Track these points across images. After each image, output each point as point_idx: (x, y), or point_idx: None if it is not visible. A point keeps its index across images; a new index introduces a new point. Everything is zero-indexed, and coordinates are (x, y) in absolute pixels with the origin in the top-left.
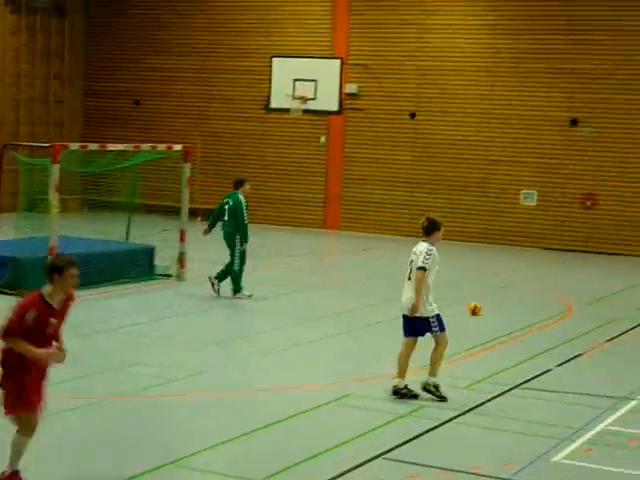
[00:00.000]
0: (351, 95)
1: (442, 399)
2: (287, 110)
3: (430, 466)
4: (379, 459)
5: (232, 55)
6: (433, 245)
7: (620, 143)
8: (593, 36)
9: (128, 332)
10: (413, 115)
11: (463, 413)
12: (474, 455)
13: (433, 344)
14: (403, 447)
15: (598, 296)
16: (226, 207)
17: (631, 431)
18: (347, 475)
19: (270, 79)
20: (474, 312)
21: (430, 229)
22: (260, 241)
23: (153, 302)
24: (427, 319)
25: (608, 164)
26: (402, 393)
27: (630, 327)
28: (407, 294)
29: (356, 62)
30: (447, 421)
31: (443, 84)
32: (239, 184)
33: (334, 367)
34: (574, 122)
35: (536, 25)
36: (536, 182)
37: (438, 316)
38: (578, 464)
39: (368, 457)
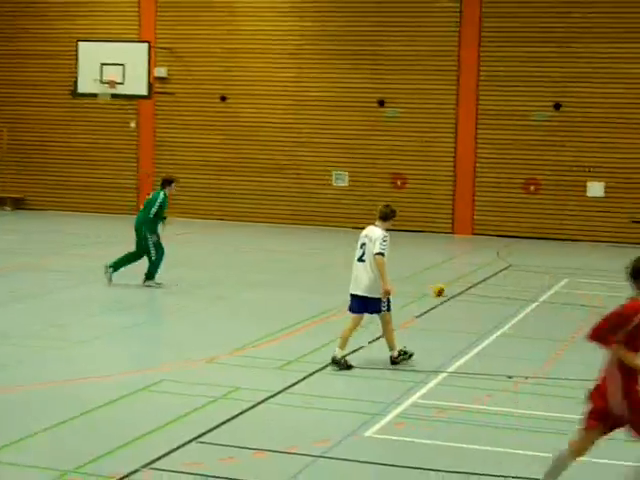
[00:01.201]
0: (160, 79)
1: (412, 355)
2: (95, 95)
3: (245, 447)
4: (193, 443)
5: (37, 39)
6: (386, 231)
7: (426, 123)
8: (398, 18)
9: None
10: (223, 98)
11: (276, 394)
12: (288, 434)
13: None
14: (217, 430)
15: (408, 273)
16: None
17: (440, 403)
18: (161, 461)
19: (77, 64)
20: (439, 294)
21: (387, 216)
22: (72, 229)
23: None
24: (379, 299)
25: (415, 144)
26: (340, 363)
27: (438, 303)
28: (360, 275)
29: (164, 46)
30: (260, 402)
31: (252, 67)
32: (167, 183)
33: (146, 354)
34: (381, 103)
35: (342, 7)
36: (347, 163)
37: (388, 298)
38: (390, 438)
39: (182, 442)
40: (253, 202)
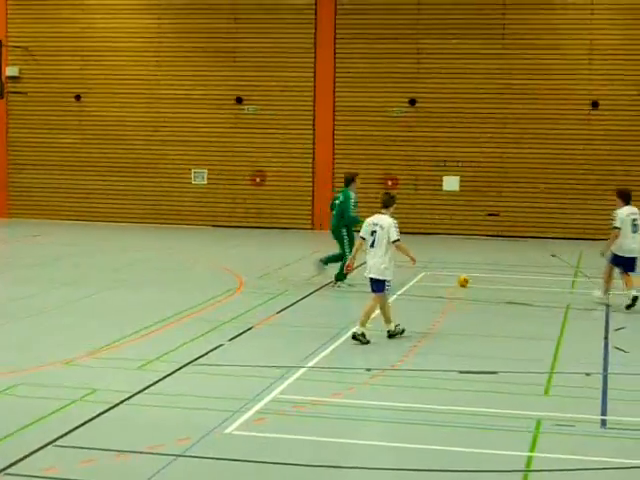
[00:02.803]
0: (12, 78)
1: (404, 331)
2: None
3: (104, 449)
4: (50, 447)
5: None
6: (392, 216)
7: (282, 119)
8: (254, 15)
9: None
10: (78, 97)
11: (136, 394)
12: (148, 434)
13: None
14: (75, 433)
15: (268, 270)
16: (336, 202)
17: (299, 398)
18: (17, 466)
19: None
20: (464, 284)
21: (388, 203)
22: None
23: None
24: (384, 281)
25: (274, 141)
26: (359, 339)
27: (298, 298)
28: (374, 260)
29: (16, 44)
30: (119, 403)
31: (109, 65)
32: (351, 180)
33: (1, 357)
34: (239, 100)
35: (199, 4)
36: (206, 161)
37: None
38: (250, 434)
39: (39, 446)
40: (112, 202)
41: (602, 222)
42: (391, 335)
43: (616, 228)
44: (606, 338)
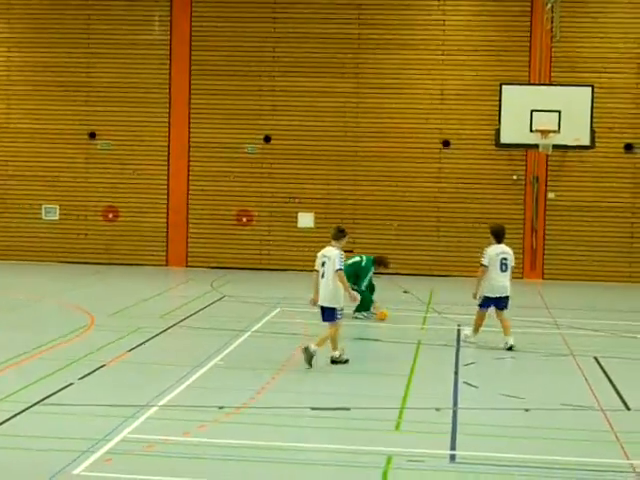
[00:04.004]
0: None
1: (347, 361)
2: None
3: None
4: None
5: None
6: (341, 249)
7: (136, 155)
8: (108, 49)
9: None
10: None
11: None
12: None
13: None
14: None
15: (121, 307)
16: (354, 260)
17: (149, 437)
18: None
19: None
20: (382, 318)
21: (338, 236)
22: None
23: None
24: (335, 309)
25: (126, 176)
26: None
27: (151, 336)
28: (324, 290)
29: None
30: None
31: None
32: (381, 263)
33: None
34: (92, 135)
35: (51, 38)
36: (57, 196)
37: (342, 308)
38: (99, 474)
39: None
40: None
41: (453, 259)
42: (334, 362)
43: (483, 266)
44: (456, 373)
